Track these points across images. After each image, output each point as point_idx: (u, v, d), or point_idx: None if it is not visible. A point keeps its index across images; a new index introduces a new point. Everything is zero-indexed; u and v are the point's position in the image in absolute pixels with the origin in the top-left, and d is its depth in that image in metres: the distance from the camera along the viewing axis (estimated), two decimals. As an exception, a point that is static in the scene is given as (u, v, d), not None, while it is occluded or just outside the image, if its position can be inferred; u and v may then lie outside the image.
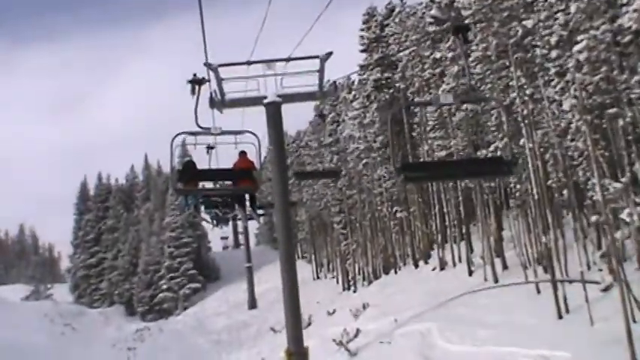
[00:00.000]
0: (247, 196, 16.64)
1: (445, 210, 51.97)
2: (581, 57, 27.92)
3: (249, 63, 10.27)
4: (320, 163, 74.81)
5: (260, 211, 20.57)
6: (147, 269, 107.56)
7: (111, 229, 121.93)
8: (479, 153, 41.16)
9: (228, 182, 14.88)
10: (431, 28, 45.27)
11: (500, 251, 43.74)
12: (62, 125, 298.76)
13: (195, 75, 10.87)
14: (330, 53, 10.10)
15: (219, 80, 10.50)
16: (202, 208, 17.46)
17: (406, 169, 10.16)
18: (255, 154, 12.80)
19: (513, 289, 38.33)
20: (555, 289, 32.53)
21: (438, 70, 46.34)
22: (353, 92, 63.98)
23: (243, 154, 15.32)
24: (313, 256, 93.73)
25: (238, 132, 12.41)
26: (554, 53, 30.95)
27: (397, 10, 57.14)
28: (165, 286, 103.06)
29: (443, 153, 46.59)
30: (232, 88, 10.72)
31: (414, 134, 54.54)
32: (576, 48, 28.31)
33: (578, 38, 28.01)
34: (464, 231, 49.71)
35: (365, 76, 58.87)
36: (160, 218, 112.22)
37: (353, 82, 67.48)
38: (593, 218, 29.92)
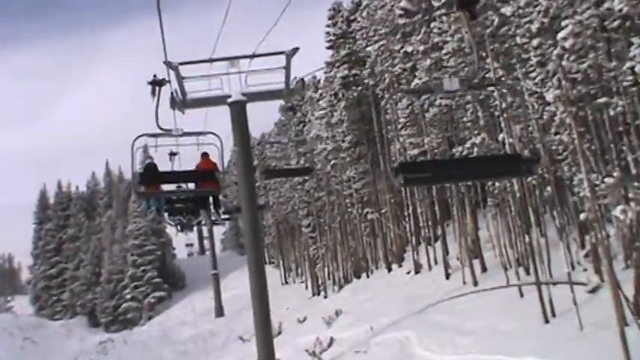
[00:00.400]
0: (211, 199, 16.67)
1: (419, 210, 50.10)
2: (567, 44, 26.14)
3: (211, 61, 10.02)
4: (286, 165, 72.55)
5: (225, 216, 20.43)
6: (110, 278, 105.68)
7: (72, 238, 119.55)
8: (454, 150, 39.51)
9: (191, 185, 14.71)
10: (401, 21, 43.35)
11: (478, 252, 42.17)
12: (19, 132, 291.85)
13: (155, 76, 10.56)
14: (297, 49, 9.77)
15: (180, 79, 10.06)
16: (166, 215, 17.60)
17: (405, 170, 8.36)
18: (217, 155, 12.72)
19: (494, 293, 36.55)
20: (540, 291, 30.81)
21: (409, 65, 44.77)
22: (319, 91, 62.43)
23: (205, 155, 15.29)
24: (281, 261, 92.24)
25: (200, 133, 12.21)
26: (535, 42, 29.23)
27: (364, 3, 55.29)
28: (129, 296, 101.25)
29: (415, 151, 45.10)
30: (194, 87, 10.38)
31: (383, 132, 52.52)
32: (560, 35, 26.60)
33: (563, 24, 26.20)
34: (439, 232, 47.91)
35: (332, 74, 57.16)
36: (122, 226, 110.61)
37: (319, 80, 65.63)
38: (582, 216, 28.13)
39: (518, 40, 30.95)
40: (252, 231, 10.05)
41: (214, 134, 12.12)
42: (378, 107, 53.80)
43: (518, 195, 33.92)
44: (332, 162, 60.20)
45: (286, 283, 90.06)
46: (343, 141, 57.25)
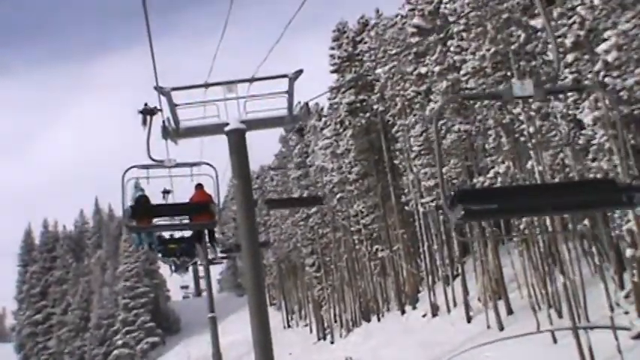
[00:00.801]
0: (206, 233, 17.19)
1: (435, 246, 47.86)
2: (609, 57, 24.06)
3: (206, 85, 9.71)
4: None
5: (222, 255, 21.30)
6: (100, 324, 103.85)
7: (59, 280, 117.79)
8: (475, 180, 37.54)
9: (185, 218, 14.30)
10: (413, 40, 41.51)
11: (502, 292, 39.89)
12: (2, 168, 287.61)
13: (146, 104, 10.40)
14: (300, 72, 9.53)
15: (173, 106, 9.71)
16: (159, 255, 18.49)
17: (466, 200, 6.59)
18: (213, 186, 12.73)
19: (524, 339, 34.22)
20: (577, 337, 28.64)
21: (423, 88, 42.78)
22: (323, 119, 60.29)
23: (199, 187, 15.35)
24: (283, 303, 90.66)
25: (194, 164, 12.20)
26: (570, 57, 27.14)
27: (372, 22, 53.56)
28: (120, 342, 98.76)
29: (431, 182, 42.83)
30: (188, 115, 9.97)
31: (395, 162, 50.58)
32: (602, 47, 24.48)
33: (605, 35, 24.20)
34: (458, 270, 45.54)
35: (337, 100, 55.41)
36: (113, 267, 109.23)
37: (322, 108, 63.79)
38: (628, 252, 25.91)
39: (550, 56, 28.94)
40: (254, 271, 9.72)
41: (209, 165, 12.07)
42: (389, 135, 52.09)
43: (549, 229, 31.67)
44: (338, 195, 58.55)
45: (289, 326, 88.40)
46: (350, 172, 55.67)
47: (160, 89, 9.47)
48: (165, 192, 17.26)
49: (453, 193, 6.73)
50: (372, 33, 52.28)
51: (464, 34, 36.02)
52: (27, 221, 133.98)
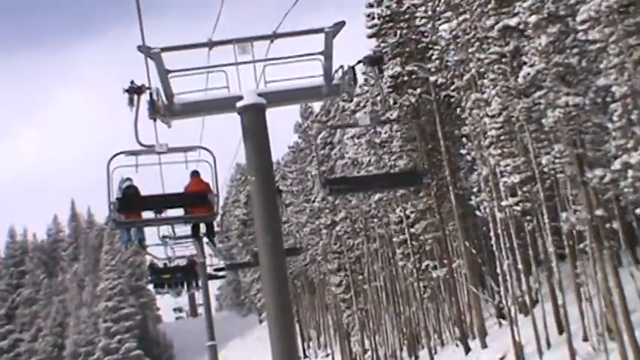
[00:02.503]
0: (203, 227, 18.01)
1: (519, 265, 40.88)
2: None
3: (210, 45, 8.82)
4: (306, 203, 68.78)
5: (222, 273, 25.00)
6: (76, 352, 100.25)
7: (28, 300, 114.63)
8: (590, 176, 30.22)
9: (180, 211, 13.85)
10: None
11: (628, 326, 32.00)
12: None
13: (132, 82, 9.13)
14: (341, 24, 8.53)
15: (164, 74, 8.82)
16: (152, 286, 21.48)
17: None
18: (210, 174, 11.75)
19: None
20: None
21: (509, 47, 35.03)
22: (356, 99, 52.34)
23: (195, 174, 15.65)
24: (298, 328, 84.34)
25: (188, 148, 11.45)
26: None
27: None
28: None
29: (516, 178, 35.52)
30: (186, 86, 9.17)
31: (462, 151, 43.67)
32: None
33: None
34: (558, 289, 37.95)
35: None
36: (92, 283, 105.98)
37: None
38: None
39: None
40: (277, 288, 8.77)
41: (206, 149, 11.41)
42: (446, 117, 44.91)
43: None
44: (375, 197, 52.20)
45: (305, 356, 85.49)
46: (394, 167, 48.70)
47: (146, 50, 8.40)
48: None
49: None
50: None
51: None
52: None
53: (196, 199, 13.40)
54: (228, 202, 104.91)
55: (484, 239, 47.61)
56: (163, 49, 8.55)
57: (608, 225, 33.30)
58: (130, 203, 13.08)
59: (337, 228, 61.13)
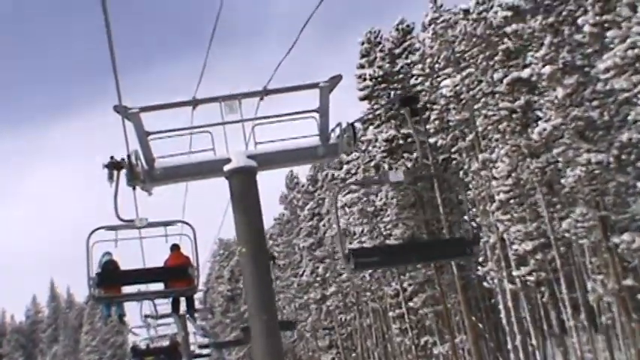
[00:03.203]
0: (184, 301, 18.31)
1: (532, 340, 36.86)
2: None
3: (195, 103, 8.00)
4: (294, 277, 65.67)
5: (206, 350, 22.69)
6: None
7: None
8: (617, 240, 26.69)
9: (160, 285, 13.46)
10: (509, 29, 30.31)
11: None
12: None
13: (112, 157, 8.54)
14: (338, 78, 7.81)
15: (143, 136, 7.93)
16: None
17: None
18: (190, 247, 11.61)
19: None
20: None
21: (520, 102, 31.93)
22: (346, 166, 49.12)
23: (175, 247, 15.71)
24: None
25: (168, 223, 11.43)
26: None
27: (429, 17, 41.53)
28: None
29: (529, 245, 32.58)
30: (167, 149, 8.31)
31: (465, 217, 40.48)
32: None
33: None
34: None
35: (369, 137, 44.92)
36: None
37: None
38: None
39: None
40: None
41: (186, 223, 11.44)
42: (444, 182, 41.04)
43: None
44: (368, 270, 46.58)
45: None
46: (389, 236, 45.17)
47: (123, 110, 7.45)
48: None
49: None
50: (429, 33, 40.49)
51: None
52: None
53: (176, 273, 13.07)
54: (210, 278, 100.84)
55: (489, 312, 43.94)
56: (142, 109, 7.65)
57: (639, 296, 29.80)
58: (110, 278, 12.79)
59: (328, 302, 58.10)
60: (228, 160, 8.13)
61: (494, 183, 34.53)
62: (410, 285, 45.24)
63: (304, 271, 60.67)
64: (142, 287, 14.07)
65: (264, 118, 8.20)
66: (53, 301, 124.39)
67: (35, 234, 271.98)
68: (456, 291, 42.95)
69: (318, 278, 57.28)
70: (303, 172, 68.97)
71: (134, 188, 8.73)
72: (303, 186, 66.73)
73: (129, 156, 8.13)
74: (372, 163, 44.95)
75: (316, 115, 8.14)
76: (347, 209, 49.79)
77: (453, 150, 39.33)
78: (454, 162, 40.12)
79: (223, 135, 8.33)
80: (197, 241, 11.76)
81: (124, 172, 8.71)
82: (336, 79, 7.78)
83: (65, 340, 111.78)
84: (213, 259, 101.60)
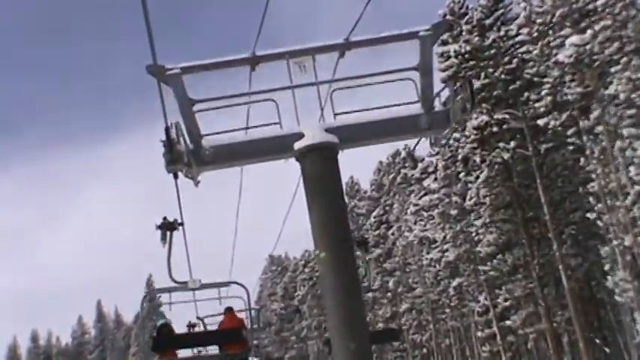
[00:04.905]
0: None
1: None
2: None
3: (254, 61, 6.32)
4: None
5: None
6: None
7: None
8: None
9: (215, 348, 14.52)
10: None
11: None
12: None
13: (165, 218, 8.75)
14: (444, 25, 6.51)
15: (187, 105, 6.35)
16: None
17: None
18: (244, 309, 13.02)
19: None
20: None
21: None
22: (420, 164, 41.67)
23: (229, 310, 15.73)
24: None
25: (222, 284, 12.27)
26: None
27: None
28: None
29: None
30: (217, 123, 6.67)
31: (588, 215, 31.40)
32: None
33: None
34: None
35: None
36: None
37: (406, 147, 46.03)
38: None
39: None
40: None
41: (240, 284, 12.02)
42: (547, 176, 33.05)
43: None
44: (455, 282, 41.35)
45: None
46: (477, 243, 38.50)
47: (159, 71, 5.91)
48: (191, 326, 17.24)
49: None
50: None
51: None
52: (11, 334, 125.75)
53: (230, 336, 13.50)
54: (262, 296, 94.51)
55: (615, 332, 35.49)
56: (185, 70, 5.97)
57: None
58: (165, 342, 13.28)
59: (402, 320, 50.53)
60: (300, 136, 6.33)
61: (632, 170, 26.50)
62: (506, 300, 37.34)
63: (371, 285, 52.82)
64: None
65: (346, 79, 6.47)
66: (100, 322, 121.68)
67: (81, 255, 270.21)
68: (564, 306, 34.96)
69: (388, 294, 49.70)
70: (366, 176, 62.63)
71: (176, 176, 6.42)
72: (365, 192, 59.23)
73: (167, 130, 5.99)
74: (460, 156, 37.24)
75: (416, 74, 6.38)
76: (424, 213, 42.40)
77: (569, 132, 31.33)
78: (570, 147, 32.08)
79: (292, 103, 6.43)
80: (251, 302, 12.79)
81: (177, 233, 8.51)
82: (441, 27, 6.17)
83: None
84: (265, 275, 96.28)
